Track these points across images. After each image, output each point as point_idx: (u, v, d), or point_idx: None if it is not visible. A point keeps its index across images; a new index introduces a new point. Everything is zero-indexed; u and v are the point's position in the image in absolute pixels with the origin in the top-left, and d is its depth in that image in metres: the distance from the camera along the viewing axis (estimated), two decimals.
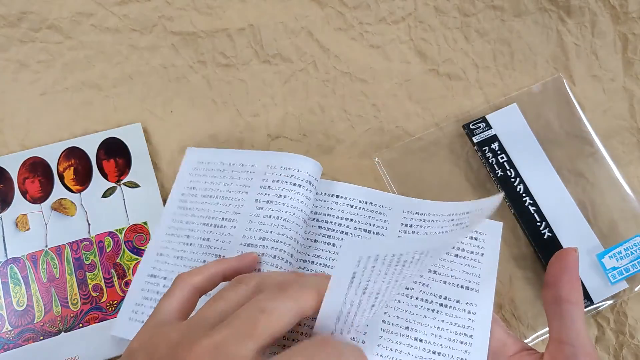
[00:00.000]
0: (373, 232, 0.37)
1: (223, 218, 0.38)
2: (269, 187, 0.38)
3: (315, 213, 0.38)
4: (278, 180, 0.38)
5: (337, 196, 0.39)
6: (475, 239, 0.36)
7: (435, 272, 0.35)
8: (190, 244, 0.38)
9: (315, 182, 0.38)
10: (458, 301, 0.34)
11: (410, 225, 0.37)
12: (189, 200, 0.40)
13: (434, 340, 0.33)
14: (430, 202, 0.38)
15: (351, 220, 0.38)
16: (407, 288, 0.35)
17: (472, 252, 0.36)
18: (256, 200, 0.38)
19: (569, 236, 0.42)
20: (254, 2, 0.48)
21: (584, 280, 0.41)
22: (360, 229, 0.37)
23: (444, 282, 0.35)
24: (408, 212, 0.37)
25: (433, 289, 0.35)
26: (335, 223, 0.38)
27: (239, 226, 0.37)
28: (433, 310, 0.34)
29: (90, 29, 0.46)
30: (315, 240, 0.37)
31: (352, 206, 0.38)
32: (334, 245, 0.37)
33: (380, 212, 0.38)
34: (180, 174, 0.41)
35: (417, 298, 0.35)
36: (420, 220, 0.37)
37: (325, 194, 0.39)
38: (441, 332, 0.33)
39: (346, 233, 0.38)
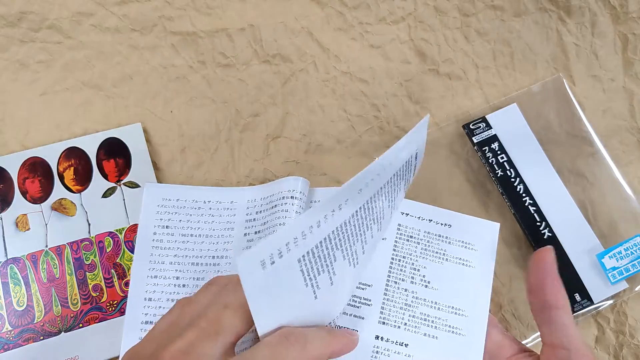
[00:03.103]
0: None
1: (214, 256, 0.38)
2: (254, 219, 0.39)
3: None
4: (260, 211, 0.39)
5: None
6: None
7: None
8: (183, 285, 0.38)
9: (294, 193, 0.38)
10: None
11: None
12: (164, 240, 0.39)
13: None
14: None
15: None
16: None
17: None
18: (245, 234, 0.39)
19: (569, 236, 0.42)
20: (254, 2, 0.48)
21: (584, 280, 0.41)
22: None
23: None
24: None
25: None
26: None
27: (234, 261, 0.38)
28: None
29: (90, 29, 0.46)
30: None
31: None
32: None
33: None
34: (144, 211, 0.40)
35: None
36: None
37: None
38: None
39: None
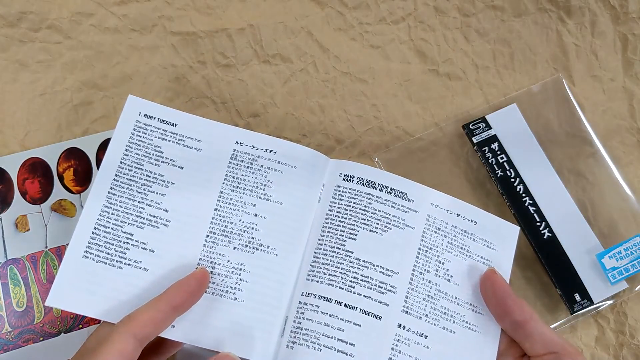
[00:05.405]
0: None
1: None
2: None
3: None
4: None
5: None
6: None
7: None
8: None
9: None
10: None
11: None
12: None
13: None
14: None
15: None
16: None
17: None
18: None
19: (568, 236, 0.42)
20: (254, 2, 0.48)
21: (584, 280, 0.41)
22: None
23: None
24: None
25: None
26: None
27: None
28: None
29: (90, 29, 0.46)
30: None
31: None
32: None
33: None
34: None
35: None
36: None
37: None
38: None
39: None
